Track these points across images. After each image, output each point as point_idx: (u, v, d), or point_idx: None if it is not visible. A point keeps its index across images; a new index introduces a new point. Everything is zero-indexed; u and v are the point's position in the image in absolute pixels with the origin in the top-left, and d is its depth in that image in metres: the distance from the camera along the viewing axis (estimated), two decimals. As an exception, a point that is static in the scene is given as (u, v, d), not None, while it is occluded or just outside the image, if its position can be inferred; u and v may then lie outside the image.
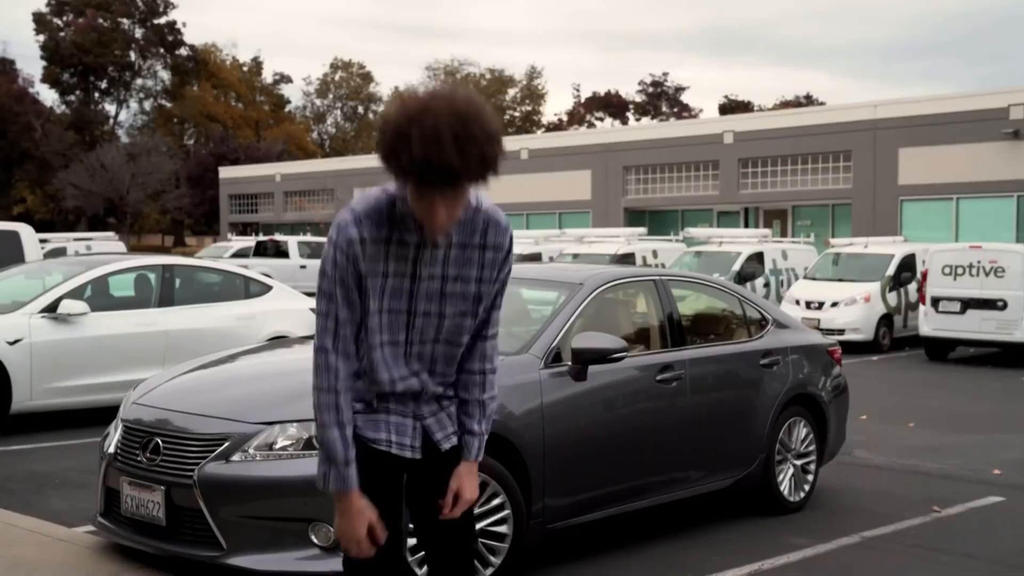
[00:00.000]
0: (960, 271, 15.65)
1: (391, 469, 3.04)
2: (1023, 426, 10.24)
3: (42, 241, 18.91)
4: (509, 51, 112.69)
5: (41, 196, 59.79)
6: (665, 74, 75.70)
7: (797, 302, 17.62)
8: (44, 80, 66.74)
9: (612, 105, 75.45)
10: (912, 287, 17.80)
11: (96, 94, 70.35)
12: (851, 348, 15.90)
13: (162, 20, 69.09)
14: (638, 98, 75.95)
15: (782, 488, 6.58)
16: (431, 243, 2.84)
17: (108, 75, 68.93)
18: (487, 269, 2.91)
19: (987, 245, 16.16)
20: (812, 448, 6.82)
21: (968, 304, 15.50)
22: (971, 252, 15.78)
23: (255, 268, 15.41)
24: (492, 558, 4.88)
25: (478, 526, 4.85)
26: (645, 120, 73.20)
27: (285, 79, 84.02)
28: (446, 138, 2.55)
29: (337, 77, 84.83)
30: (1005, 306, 15.18)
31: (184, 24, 70.31)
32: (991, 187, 26.87)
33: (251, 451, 4.68)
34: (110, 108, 71.82)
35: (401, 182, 2.73)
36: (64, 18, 67.45)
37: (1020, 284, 15.14)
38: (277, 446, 4.68)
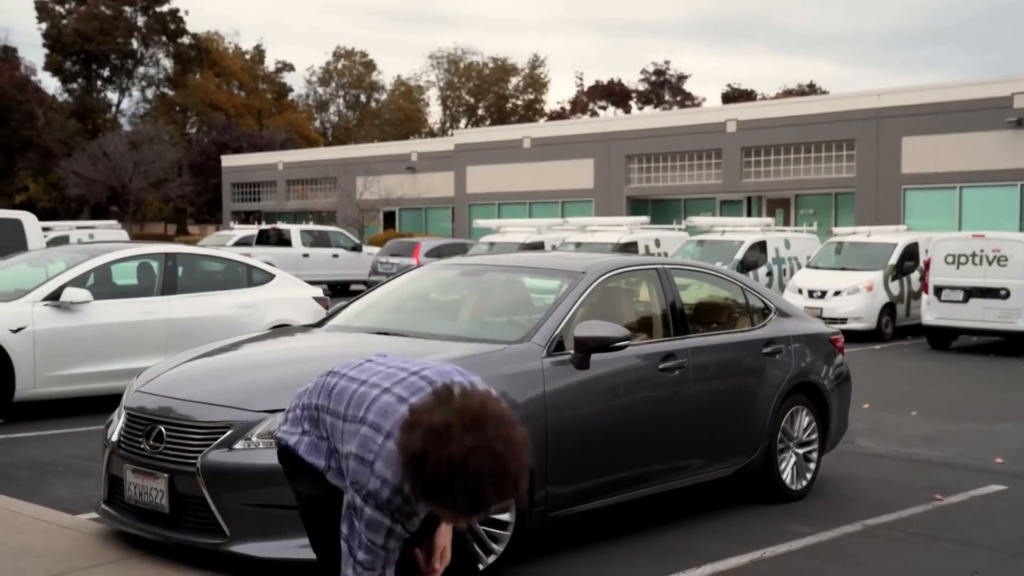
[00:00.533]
0: (963, 260, 15.63)
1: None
2: (1025, 415, 10.25)
3: (45, 229, 18.93)
4: (511, 39, 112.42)
5: (44, 184, 59.76)
6: (667, 62, 75.64)
7: (800, 291, 17.62)
8: (46, 68, 66.68)
9: (615, 94, 75.27)
10: (915, 276, 17.78)
11: (98, 82, 70.26)
12: (853, 337, 15.90)
13: (164, 8, 68.92)
14: (640, 87, 75.78)
15: (784, 476, 6.59)
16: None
17: (110, 63, 68.83)
18: None
19: (990, 234, 16.14)
20: (814, 436, 6.82)
21: (971, 293, 15.49)
22: (974, 241, 15.77)
23: (258, 256, 15.39)
24: (495, 546, 4.89)
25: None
26: (648, 109, 73.05)
27: (287, 67, 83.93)
28: (488, 489, 2.67)
29: (340, 65, 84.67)
30: (1008, 295, 15.16)
31: (186, 12, 70.22)
32: (994, 176, 26.81)
33: (254, 439, 4.69)
34: (112, 96, 71.79)
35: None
36: (66, 6, 67.32)
37: (1023, 273, 15.13)
38: (280, 434, 4.68)
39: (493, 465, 2.63)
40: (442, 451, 2.62)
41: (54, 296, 8.99)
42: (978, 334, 16.22)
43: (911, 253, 18.07)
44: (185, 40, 70.54)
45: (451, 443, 2.62)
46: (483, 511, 2.73)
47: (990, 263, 15.39)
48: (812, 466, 6.81)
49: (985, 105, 26.80)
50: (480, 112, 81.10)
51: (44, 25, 66.13)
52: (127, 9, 67.98)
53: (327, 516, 3.17)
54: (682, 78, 75.46)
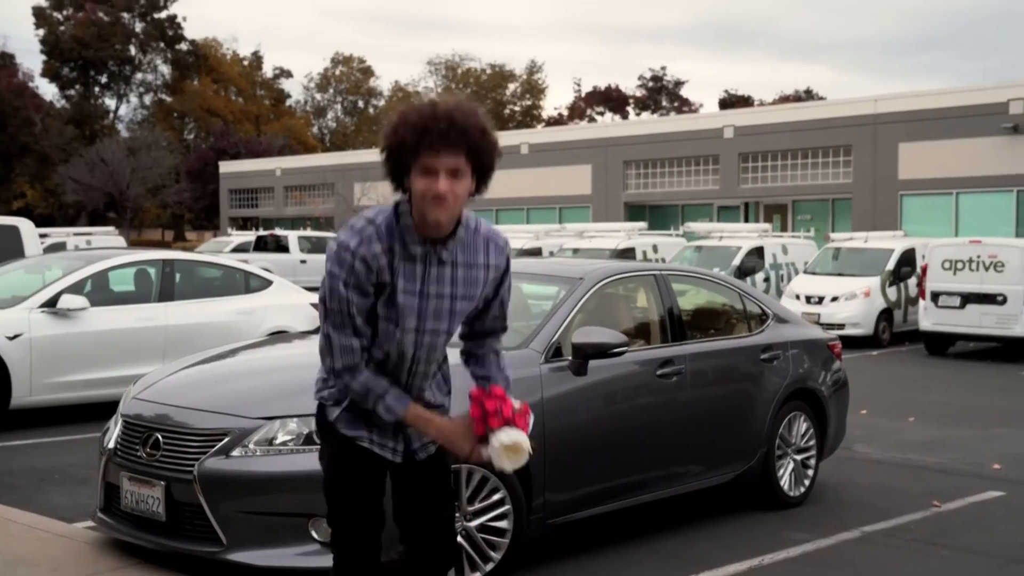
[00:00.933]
0: (960, 266, 15.64)
1: (371, 465, 3.11)
2: (1022, 420, 10.24)
3: (42, 236, 18.91)
4: (509, 45, 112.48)
5: (41, 191, 59.73)
6: (663, 68, 75.73)
7: (797, 296, 17.62)
8: (44, 74, 66.65)
9: (612, 99, 75.35)
10: (912, 282, 17.79)
11: (96, 88, 70.27)
12: (851, 343, 15.90)
13: (162, 14, 68.98)
14: (638, 92, 75.88)
15: (782, 483, 6.58)
16: (436, 257, 2.95)
17: (108, 69, 68.84)
18: (489, 286, 3.09)
19: (987, 240, 16.16)
20: (812, 443, 6.82)
21: (968, 299, 15.50)
22: (971, 247, 15.78)
23: (255, 263, 15.41)
24: (493, 553, 4.88)
25: (479, 521, 4.85)
26: (645, 115, 73.13)
27: (285, 73, 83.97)
28: (449, 102, 2.86)
29: (337, 72, 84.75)
30: (1005, 301, 15.17)
31: (184, 18, 70.56)
32: (991, 182, 26.85)
33: (251, 446, 4.68)
34: (110, 102, 71.81)
35: (408, 163, 2.85)
36: (64, 12, 67.34)
37: (1019, 279, 15.14)
38: (277, 441, 4.67)
39: (454, 100, 2.87)
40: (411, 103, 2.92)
41: (51, 303, 8.97)
42: (975, 340, 16.22)
43: (908, 259, 18.08)
44: (183, 46, 70.57)
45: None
46: (444, 115, 2.80)
47: (987, 269, 15.40)
48: (810, 472, 6.81)
49: (981, 111, 26.85)
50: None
51: (42, 31, 66.15)
52: (125, 15, 68.02)
53: (355, 491, 3.10)
54: (679, 84, 75.61)
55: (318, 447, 3.20)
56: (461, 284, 3.00)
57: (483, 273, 3.04)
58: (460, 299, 3.02)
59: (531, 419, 3.04)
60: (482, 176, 2.92)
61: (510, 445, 2.93)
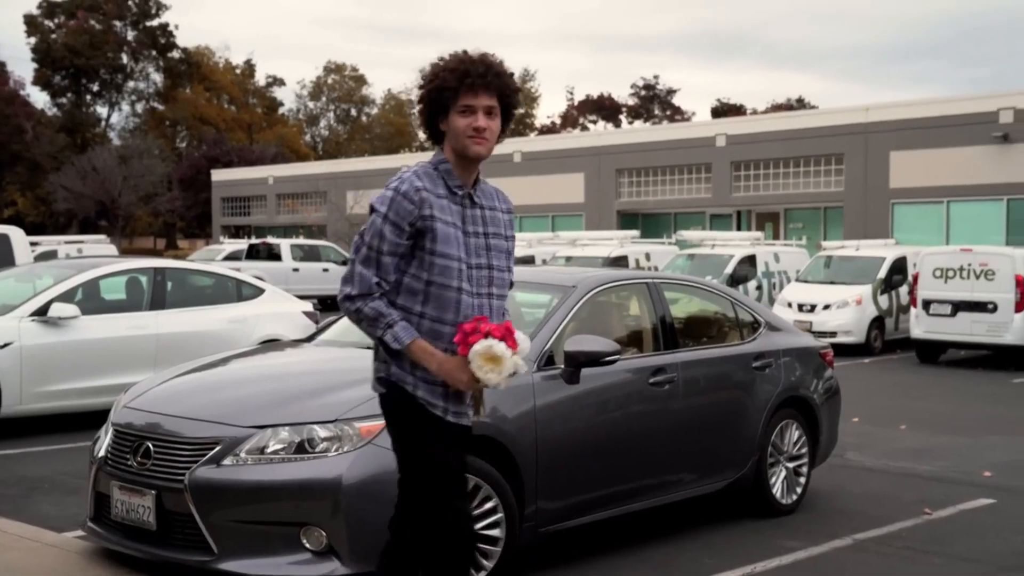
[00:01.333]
0: (951, 274, 15.69)
1: (449, 436, 3.32)
2: (1013, 428, 10.27)
3: (33, 244, 18.84)
4: (502, 53, 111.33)
5: (32, 199, 59.60)
6: (656, 77, 75.92)
7: (789, 305, 17.66)
8: (35, 82, 66.57)
9: (605, 108, 75.53)
10: (903, 290, 17.84)
11: (88, 96, 70.18)
12: (843, 351, 15.93)
13: (154, 22, 68.96)
14: (630, 101, 76.07)
15: (774, 491, 6.58)
16: (470, 200, 3.38)
17: (100, 77, 68.77)
18: (508, 228, 3.53)
19: (977, 248, 16.21)
20: (804, 450, 6.82)
21: (959, 307, 15.55)
22: (962, 255, 15.83)
23: (247, 271, 15.36)
24: (485, 562, 4.86)
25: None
26: (637, 123, 73.30)
27: (278, 82, 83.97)
28: (478, 51, 3.36)
29: (330, 80, 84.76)
30: (995, 309, 15.22)
31: (176, 27, 70.43)
32: (981, 190, 26.95)
33: (242, 455, 4.66)
34: (102, 110, 71.72)
35: (448, 104, 3.29)
36: (55, 20, 67.26)
37: (1010, 287, 15.20)
38: (269, 450, 4.66)
39: (481, 52, 3.35)
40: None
41: (41, 311, 8.94)
42: (966, 347, 16.27)
43: (899, 267, 18.13)
44: (175, 54, 70.57)
45: None
46: (479, 57, 3.30)
47: (977, 277, 15.45)
48: (802, 480, 6.81)
49: (972, 120, 26.96)
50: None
51: (33, 39, 66.07)
52: (117, 23, 67.99)
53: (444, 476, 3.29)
54: (671, 92, 75.82)
55: (325, 453, 3.22)
56: (490, 223, 3.44)
57: (501, 216, 3.50)
58: (492, 236, 3.44)
59: (521, 338, 3.27)
60: (506, 120, 3.39)
61: (483, 351, 3.15)
